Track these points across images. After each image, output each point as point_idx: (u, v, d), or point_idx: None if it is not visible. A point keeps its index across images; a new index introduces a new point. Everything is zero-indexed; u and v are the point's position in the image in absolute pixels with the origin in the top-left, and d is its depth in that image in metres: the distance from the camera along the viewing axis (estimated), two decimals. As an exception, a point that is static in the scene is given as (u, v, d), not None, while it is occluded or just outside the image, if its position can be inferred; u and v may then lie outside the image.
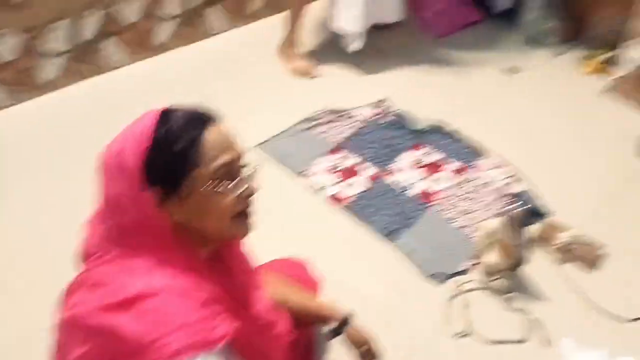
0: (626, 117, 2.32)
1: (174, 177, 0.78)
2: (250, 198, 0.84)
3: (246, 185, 0.83)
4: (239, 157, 0.83)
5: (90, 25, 2.25)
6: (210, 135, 0.79)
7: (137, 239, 0.78)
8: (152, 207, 0.77)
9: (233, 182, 0.81)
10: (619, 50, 2.35)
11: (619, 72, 2.35)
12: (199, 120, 0.80)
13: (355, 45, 2.42)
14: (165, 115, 0.80)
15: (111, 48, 2.35)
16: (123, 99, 2.28)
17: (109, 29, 2.31)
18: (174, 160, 0.77)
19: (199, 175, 0.78)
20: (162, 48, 2.51)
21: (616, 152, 2.17)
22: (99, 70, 2.36)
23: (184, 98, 2.36)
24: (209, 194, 0.79)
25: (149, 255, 0.78)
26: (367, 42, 2.52)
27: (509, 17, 2.81)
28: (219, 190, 0.79)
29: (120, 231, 0.79)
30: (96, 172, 0.81)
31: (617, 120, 2.31)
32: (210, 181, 0.79)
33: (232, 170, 0.81)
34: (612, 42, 2.60)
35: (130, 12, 2.34)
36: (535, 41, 2.71)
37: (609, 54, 2.50)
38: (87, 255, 0.83)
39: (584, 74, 2.55)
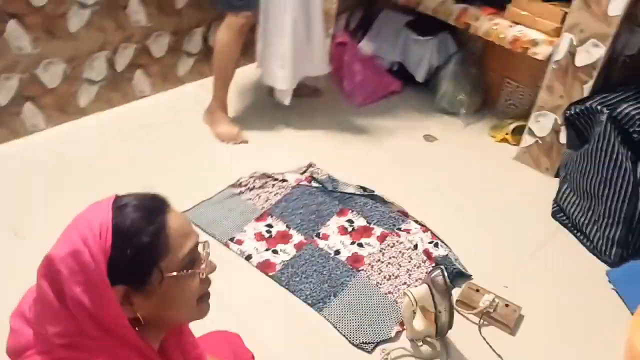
0: (537, 182, 2.49)
1: (141, 271, 0.76)
2: (210, 277, 0.85)
3: (207, 265, 0.83)
4: (197, 238, 0.83)
5: (8, 88, 2.18)
6: (171, 223, 0.78)
7: (95, 340, 0.74)
8: (116, 306, 0.74)
9: (198, 266, 0.81)
10: (526, 120, 2.54)
11: (527, 140, 2.54)
12: (156, 208, 0.79)
13: (285, 100, 2.52)
14: (119, 206, 0.77)
15: (30, 111, 2.28)
16: (42, 165, 2.20)
17: (28, 93, 2.25)
18: (141, 254, 0.75)
19: (167, 265, 0.77)
20: (86, 111, 2.46)
21: (530, 214, 2.31)
22: (16, 134, 2.27)
23: (108, 163, 2.31)
24: (177, 282, 0.78)
25: (105, 357, 0.74)
26: (294, 109, 2.59)
27: (427, 87, 2.99)
28: (187, 276, 0.79)
29: (73, 332, 0.74)
30: (41, 273, 0.76)
31: (529, 185, 2.48)
32: (179, 269, 0.78)
33: (194, 253, 0.81)
34: (520, 112, 2.83)
35: (52, 75, 2.29)
36: (449, 111, 2.88)
37: (517, 124, 2.70)
38: (20, 351, 0.78)
39: (495, 142, 2.73)
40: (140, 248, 0.75)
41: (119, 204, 0.78)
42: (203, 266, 0.83)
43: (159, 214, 0.78)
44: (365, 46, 3.11)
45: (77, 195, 2.04)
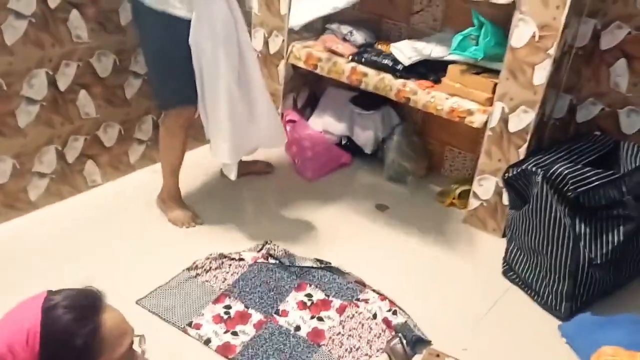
0: (486, 243, 2.58)
1: None
2: None
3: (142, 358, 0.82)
4: (133, 335, 0.81)
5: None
6: (107, 322, 0.76)
7: None
8: None
9: None
10: (470, 184, 2.66)
11: (473, 203, 2.65)
12: (90, 307, 0.77)
13: (231, 175, 2.44)
14: (49, 307, 0.74)
15: None
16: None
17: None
18: (73, 358, 0.73)
19: None
20: (36, 205, 2.45)
21: (482, 275, 2.38)
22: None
23: (60, 256, 2.27)
24: None
25: None
26: (247, 187, 2.63)
27: (375, 158, 3.11)
28: None
29: None
30: None
31: (479, 246, 2.56)
32: None
33: (130, 351, 0.80)
34: (464, 177, 2.95)
35: (1, 172, 2.28)
36: (397, 180, 2.99)
37: (462, 188, 2.81)
38: None
39: (444, 207, 2.83)
40: (73, 352, 0.72)
41: (49, 305, 0.74)
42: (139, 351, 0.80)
43: (93, 314, 0.75)
44: (314, 123, 3.24)
45: (26, 291, 2.00)
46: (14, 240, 2.28)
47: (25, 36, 2.19)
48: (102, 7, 2.42)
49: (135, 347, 0.83)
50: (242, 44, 2.31)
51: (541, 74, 2.28)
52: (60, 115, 2.41)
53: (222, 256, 2.30)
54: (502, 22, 2.42)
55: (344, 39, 2.91)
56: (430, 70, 2.68)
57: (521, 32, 2.27)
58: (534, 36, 2.25)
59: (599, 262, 2.09)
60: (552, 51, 2.23)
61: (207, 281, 2.18)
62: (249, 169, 2.84)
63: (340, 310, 2.10)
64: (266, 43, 3.04)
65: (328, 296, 2.16)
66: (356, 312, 2.09)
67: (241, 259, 2.30)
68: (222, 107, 2.27)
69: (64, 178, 2.52)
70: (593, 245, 2.09)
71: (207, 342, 1.92)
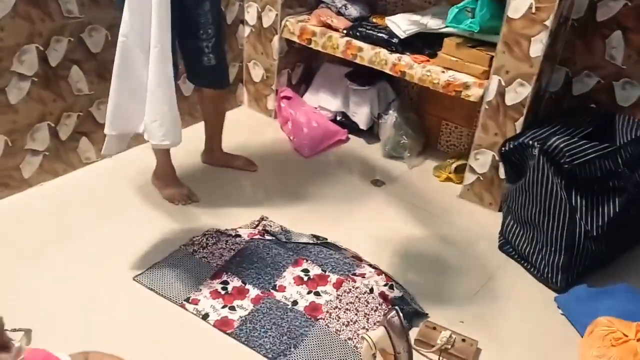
0: (483, 217, 2.58)
1: None
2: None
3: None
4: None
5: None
6: None
7: None
8: None
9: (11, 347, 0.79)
10: (466, 159, 2.65)
11: (469, 178, 2.64)
12: None
13: (104, 149, 2.07)
14: None
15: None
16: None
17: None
18: None
19: None
20: (30, 183, 2.43)
21: (478, 249, 2.39)
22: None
23: (54, 234, 2.25)
24: None
25: None
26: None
27: (371, 134, 3.10)
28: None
29: None
30: None
31: (475, 220, 2.56)
32: None
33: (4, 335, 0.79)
34: (460, 151, 2.95)
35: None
36: (393, 155, 2.98)
37: (458, 162, 2.81)
38: None
39: (440, 182, 2.83)
40: None
41: None
42: (17, 345, 0.81)
43: None
44: (309, 99, 3.21)
45: (20, 268, 2.00)
46: (8, 217, 2.27)
47: (14, 11, 2.15)
48: (92, -19, 2.38)
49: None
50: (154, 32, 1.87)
51: (537, 46, 2.26)
52: (52, 92, 2.39)
53: (218, 233, 2.30)
54: (499, -6, 2.40)
55: (339, 13, 2.88)
56: (425, 44, 2.66)
57: (518, 4, 2.24)
58: (530, 8, 2.22)
59: (594, 234, 2.09)
60: (548, 23, 2.21)
61: (204, 257, 2.18)
62: (230, 163, 2.74)
63: (337, 285, 2.11)
64: (259, 17, 3.01)
65: (325, 271, 2.17)
66: (353, 287, 2.10)
67: (238, 236, 2.30)
68: (116, 62, 1.92)
69: (57, 155, 2.50)
70: (589, 217, 2.10)
71: (205, 317, 1.93)
